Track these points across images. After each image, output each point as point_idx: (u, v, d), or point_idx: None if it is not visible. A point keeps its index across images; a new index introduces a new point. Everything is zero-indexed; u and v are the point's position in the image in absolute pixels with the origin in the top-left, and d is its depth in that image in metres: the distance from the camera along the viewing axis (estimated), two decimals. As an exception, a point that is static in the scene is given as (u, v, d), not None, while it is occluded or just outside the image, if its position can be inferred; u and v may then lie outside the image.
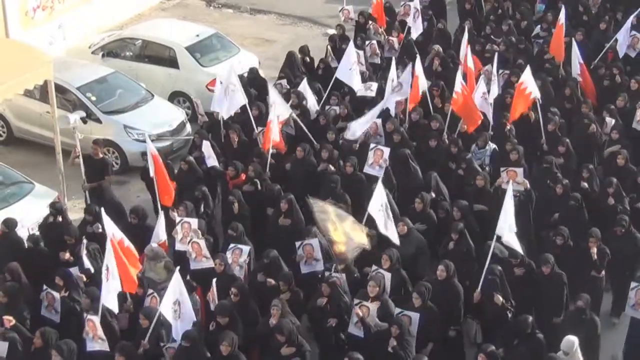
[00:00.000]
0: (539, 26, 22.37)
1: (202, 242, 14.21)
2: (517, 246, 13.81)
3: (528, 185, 15.63)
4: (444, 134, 17.66)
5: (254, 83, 20.21)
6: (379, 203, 14.51)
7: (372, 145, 16.67)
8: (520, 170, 15.66)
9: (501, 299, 13.33)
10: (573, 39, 20.16)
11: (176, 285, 12.72)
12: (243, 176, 16.47)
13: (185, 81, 21.57)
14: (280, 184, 16.36)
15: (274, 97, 17.81)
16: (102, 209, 14.03)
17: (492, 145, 17.33)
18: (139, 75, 21.51)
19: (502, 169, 15.89)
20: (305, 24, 27.12)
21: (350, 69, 19.31)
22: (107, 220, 13.52)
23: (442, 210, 15.48)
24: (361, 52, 20.65)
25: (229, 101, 18.08)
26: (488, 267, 13.53)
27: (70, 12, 24.65)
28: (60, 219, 15.35)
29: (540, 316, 13.86)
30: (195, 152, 17.35)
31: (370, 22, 22.56)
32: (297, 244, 14.45)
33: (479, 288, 13.54)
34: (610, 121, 17.88)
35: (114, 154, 19.42)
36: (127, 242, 13.60)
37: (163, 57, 22.03)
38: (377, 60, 21.30)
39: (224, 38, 23.07)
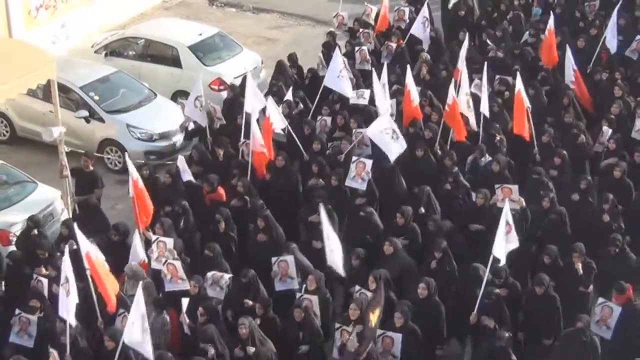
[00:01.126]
0: (527, 32, 22.03)
1: (178, 264, 13.74)
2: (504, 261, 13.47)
3: (524, 203, 15.25)
4: (436, 144, 17.31)
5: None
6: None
7: (354, 158, 16.22)
8: (515, 188, 15.27)
9: (493, 322, 12.91)
10: (567, 45, 19.77)
11: (137, 305, 12.06)
12: (220, 190, 16.05)
13: (188, 80, 21.48)
14: (262, 195, 16.03)
15: (271, 107, 17.42)
16: (75, 224, 13.62)
17: (489, 158, 16.90)
18: (141, 74, 21.52)
19: (496, 186, 15.42)
20: (308, 22, 27.13)
21: (338, 76, 18.79)
22: (80, 236, 13.09)
23: (432, 223, 15.05)
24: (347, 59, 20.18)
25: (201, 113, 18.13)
26: (484, 290, 13.13)
27: (73, 11, 24.67)
28: (36, 232, 14.95)
29: (531, 337, 13.60)
30: (192, 166, 16.92)
31: (361, 29, 22.14)
32: (273, 259, 14.05)
33: (475, 310, 13.09)
34: (607, 131, 17.52)
35: (116, 153, 19.43)
36: (103, 261, 13.23)
37: (166, 56, 22.03)
38: (368, 67, 20.56)
39: (227, 37, 23.08)
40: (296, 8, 27.82)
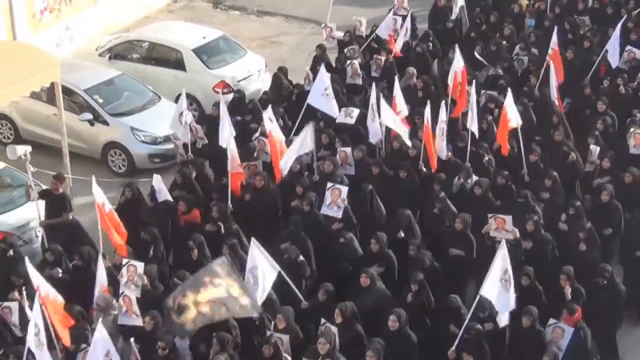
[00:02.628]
0: (518, 45, 21.52)
1: (134, 297, 13.20)
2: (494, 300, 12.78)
3: (517, 234, 14.54)
4: (420, 162, 16.79)
5: (239, 105, 19.40)
6: None
7: (329, 185, 15.49)
8: (509, 218, 14.54)
9: (472, 359, 12.42)
10: (551, 60, 19.32)
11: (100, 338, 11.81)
12: (195, 212, 15.72)
13: (192, 83, 21.55)
14: (244, 216, 15.72)
15: (268, 123, 16.96)
16: (27, 258, 13.24)
17: (474, 178, 16.40)
18: (146, 77, 21.52)
19: (489, 215, 14.73)
20: (312, 25, 27.11)
21: (322, 94, 18.15)
22: (32, 271, 12.72)
23: (413, 249, 14.53)
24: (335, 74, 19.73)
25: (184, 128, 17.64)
26: (466, 325, 12.65)
27: (78, 14, 24.69)
28: (12, 252, 14.60)
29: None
30: (176, 190, 16.46)
31: (351, 45, 21.58)
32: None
33: (454, 346, 12.60)
34: (594, 149, 17.07)
35: (120, 156, 19.43)
36: (54, 295, 12.80)
37: (170, 59, 22.04)
38: (359, 81, 20.33)
39: (231, 40, 23.08)
40: (300, 11, 27.81)
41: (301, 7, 27.88)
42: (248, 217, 15.82)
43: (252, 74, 22.06)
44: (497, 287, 12.59)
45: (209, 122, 18.55)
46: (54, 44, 23.69)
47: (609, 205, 15.67)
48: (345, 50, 21.42)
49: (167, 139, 19.10)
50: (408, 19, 21.76)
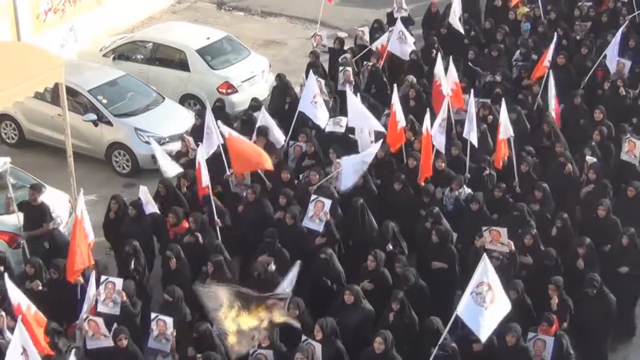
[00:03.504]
0: (518, 51, 21.34)
1: (100, 320, 12.83)
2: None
3: (513, 247, 14.18)
4: (419, 175, 16.38)
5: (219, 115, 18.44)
6: None
7: (313, 197, 15.15)
8: (504, 231, 14.16)
9: None
10: (550, 71, 18.78)
11: None
12: (185, 224, 15.25)
13: (196, 84, 21.60)
14: (237, 229, 15.58)
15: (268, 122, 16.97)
16: (6, 275, 13.25)
17: (466, 190, 16.08)
18: (149, 78, 21.54)
19: (484, 228, 14.36)
20: (316, 26, 27.04)
21: (311, 102, 17.88)
22: (11, 287, 12.65)
23: (400, 264, 14.12)
24: (323, 81, 19.37)
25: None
26: (441, 342, 12.29)
27: (82, 15, 24.71)
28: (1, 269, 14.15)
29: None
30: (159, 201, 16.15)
31: (345, 54, 21.33)
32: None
33: None
34: (591, 160, 16.63)
35: (125, 156, 19.44)
36: (34, 309, 12.71)
37: (174, 60, 22.05)
38: (350, 89, 19.34)
39: (235, 41, 23.09)
40: (304, 12, 27.79)
41: (305, 8, 27.88)
42: (240, 230, 15.63)
43: (256, 74, 22.06)
44: (469, 301, 12.14)
45: (195, 132, 18.28)
46: (58, 44, 23.73)
47: (605, 221, 15.20)
48: (340, 59, 21.14)
49: (171, 139, 19.09)
50: (399, 23, 21.32)
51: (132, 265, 14.35)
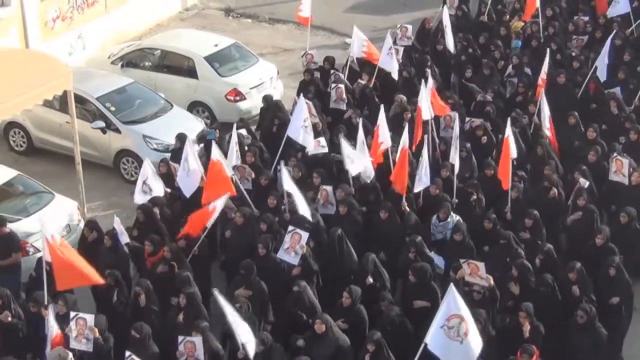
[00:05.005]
0: (510, 66, 20.92)
1: (70, 357, 12.53)
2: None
3: (492, 282, 13.69)
4: (402, 200, 15.82)
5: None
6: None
7: (290, 228, 14.49)
8: (482, 265, 13.63)
9: None
10: (543, 91, 18.32)
11: None
12: (163, 253, 14.71)
13: (204, 91, 21.59)
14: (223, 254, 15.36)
15: (216, 153, 15.99)
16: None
17: (455, 217, 15.49)
18: (158, 85, 21.54)
19: (462, 260, 13.83)
20: (324, 33, 27.12)
21: (302, 126, 17.28)
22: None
23: (384, 301, 13.59)
24: (311, 103, 18.54)
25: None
26: None
27: (90, 22, 24.74)
28: None
29: None
30: (135, 230, 15.67)
31: (334, 70, 21.03)
32: (180, 339, 12.70)
33: None
34: (584, 183, 16.02)
35: (133, 164, 19.43)
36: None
37: (182, 67, 22.04)
38: (343, 106, 19.46)
39: (243, 48, 23.08)
40: (312, 18, 27.78)
41: (313, 14, 27.85)
42: (229, 255, 15.43)
43: (264, 81, 22.05)
44: (440, 335, 11.69)
45: (174, 155, 17.86)
46: (67, 52, 23.76)
47: (603, 249, 14.67)
48: (332, 72, 20.85)
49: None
50: (388, 38, 20.72)
51: (115, 297, 13.94)
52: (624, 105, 19.05)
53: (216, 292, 12.40)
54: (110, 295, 13.94)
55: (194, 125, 20.02)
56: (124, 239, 15.04)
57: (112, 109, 19.75)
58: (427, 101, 17.75)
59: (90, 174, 18.44)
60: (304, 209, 15.16)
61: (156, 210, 15.79)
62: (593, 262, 14.42)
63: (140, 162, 19.13)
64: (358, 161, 16.42)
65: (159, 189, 16.33)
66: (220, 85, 21.50)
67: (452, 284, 12.02)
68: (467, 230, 15.04)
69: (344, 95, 19.60)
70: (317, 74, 21.12)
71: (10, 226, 15.91)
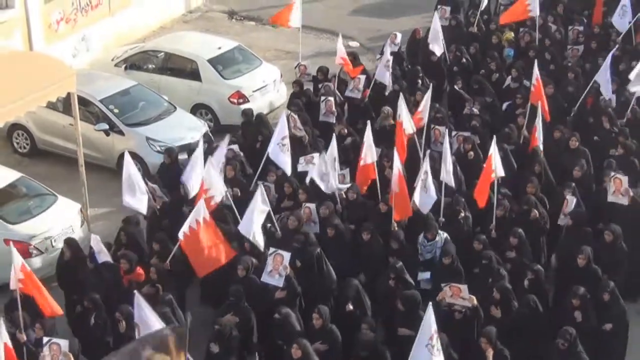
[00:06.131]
0: (509, 77, 20.35)
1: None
2: None
3: (475, 302, 13.32)
4: (392, 222, 15.22)
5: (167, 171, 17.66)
6: None
7: (270, 250, 14.04)
8: (464, 287, 13.32)
9: None
10: (538, 102, 17.81)
11: None
12: (139, 270, 14.38)
13: (207, 94, 21.60)
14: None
15: (209, 174, 15.41)
16: None
17: (443, 235, 14.98)
18: (161, 87, 21.55)
19: (443, 284, 13.50)
20: (328, 36, 27.07)
21: (278, 144, 16.73)
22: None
23: (366, 326, 13.06)
24: (297, 116, 18.24)
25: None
26: None
27: (93, 24, 24.73)
28: None
29: None
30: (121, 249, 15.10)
31: (325, 83, 20.47)
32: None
33: None
34: (571, 200, 15.59)
35: (136, 165, 19.39)
36: None
37: (185, 69, 22.05)
38: (332, 119, 19.01)
39: (246, 51, 23.08)
40: (316, 21, 27.76)
41: (317, 17, 27.85)
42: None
43: (268, 84, 22.08)
44: (424, 354, 11.66)
45: (162, 170, 17.63)
46: (70, 54, 23.75)
47: (586, 270, 14.29)
48: (320, 86, 20.39)
49: (182, 149, 19.03)
50: (387, 50, 20.43)
51: (93, 320, 13.53)
52: (616, 120, 18.49)
53: (137, 294, 12.03)
54: (87, 319, 13.57)
55: (197, 128, 20.03)
56: (103, 257, 14.60)
57: (116, 111, 19.77)
58: (408, 115, 17.21)
59: (94, 176, 18.45)
60: (258, 232, 14.69)
61: (136, 227, 15.45)
62: (576, 283, 13.86)
63: (143, 164, 19.23)
64: (326, 178, 16.00)
65: (143, 201, 15.83)
66: (223, 88, 21.52)
67: (430, 303, 11.93)
68: (457, 250, 14.67)
69: (334, 108, 19.17)
70: (308, 85, 20.87)
71: (13, 228, 15.98)
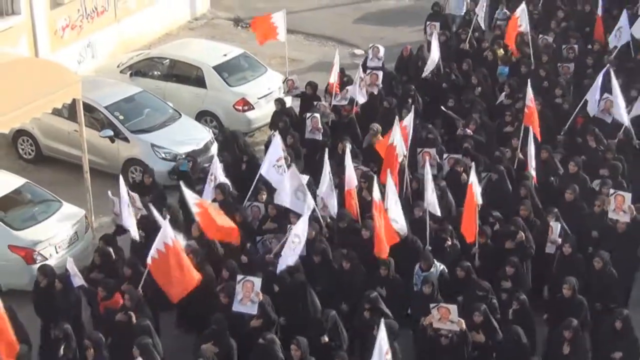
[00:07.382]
0: (503, 94, 20.19)
1: None
2: None
3: (464, 325, 13.14)
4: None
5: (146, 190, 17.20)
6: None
7: (239, 277, 13.64)
8: (453, 308, 13.12)
9: None
10: (530, 124, 17.40)
11: None
12: (117, 297, 13.89)
13: (212, 101, 21.61)
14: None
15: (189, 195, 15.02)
16: None
17: (439, 266, 14.62)
18: (166, 94, 21.57)
19: (431, 305, 13.23)
20: (332, 43, 27.13)
21: (274, 166, 16.50)
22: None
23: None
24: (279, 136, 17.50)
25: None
26: None
27: (99, 31, 24.81)
28: None
29: None
30: (94, 272, 14.86)
31: (319, 102, 20.20)
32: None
33: None
34: (556, 226, 15.26)
35: (141, 172, 19.42)
36: None
37: (191, 76, 22.07)
38: (319, 137, 18.69)
39: (252, 58, 23.10)
40: (321, 29, 27.85)
41: (321, 25, 27.92)
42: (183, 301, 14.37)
43: (273, 91, 22.08)
44: None
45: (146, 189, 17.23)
46: (76, 60, 23.83)
47: (571, 301, 13.98)
48: (315, 104, 20.08)
49: (188, 156, 19.03)
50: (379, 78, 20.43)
51: (62, 351, 13.06)
52: (602, 138, 18.22)
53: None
54: (57, 349, 13.12)
55: (202, 135, 20.04)
56: (77, 281, 14.28)
57: (121, 117, 19.79)
58: (401, 140, 16.74)
59: (98, 182, 18.44)
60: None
61: (111, 250, 15.11)
62: (561, 313, 13.72)
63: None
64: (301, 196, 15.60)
65: (132, 225, 15.35)
66: (228, 95, 21.53)
67: (382, 319, 11.83)
68: (445, 279, 14.44)
69: (320, 125, 18.79)
70: (289, 103, 20.76)
71: (18, 234, 15.98)
